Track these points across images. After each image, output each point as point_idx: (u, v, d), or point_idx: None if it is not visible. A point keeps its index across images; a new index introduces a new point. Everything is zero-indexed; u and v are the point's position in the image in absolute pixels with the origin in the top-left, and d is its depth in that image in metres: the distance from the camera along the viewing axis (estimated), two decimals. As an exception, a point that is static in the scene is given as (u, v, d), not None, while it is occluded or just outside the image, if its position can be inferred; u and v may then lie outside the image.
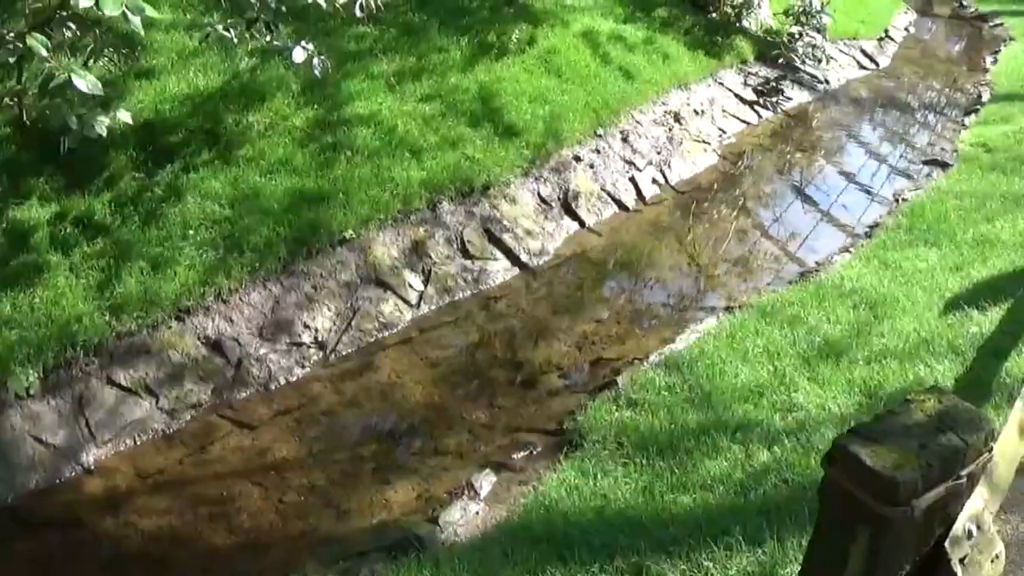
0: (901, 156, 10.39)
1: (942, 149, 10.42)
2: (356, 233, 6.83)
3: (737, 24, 11.36)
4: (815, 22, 12.03)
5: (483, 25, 9.57)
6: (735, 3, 11.37)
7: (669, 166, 9.09)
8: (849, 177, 9.62)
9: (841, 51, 13.34)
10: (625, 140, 9.07)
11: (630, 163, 8.87)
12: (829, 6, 12.19)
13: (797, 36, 11.74)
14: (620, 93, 9.45)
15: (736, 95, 10.87)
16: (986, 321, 5.73)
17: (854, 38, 13.97)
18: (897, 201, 8.74)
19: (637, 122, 9.37)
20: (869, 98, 12.36)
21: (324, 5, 6.40)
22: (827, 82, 12.15)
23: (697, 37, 11.33)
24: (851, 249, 7.63)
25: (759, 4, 11.30)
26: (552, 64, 9.39)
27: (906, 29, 16.37)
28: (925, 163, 10.01)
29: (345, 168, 7.25)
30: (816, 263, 7.58)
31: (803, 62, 11.76)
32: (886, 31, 15.25)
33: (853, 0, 15.94)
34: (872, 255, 7.22)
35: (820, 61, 11.74)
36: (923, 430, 1.84)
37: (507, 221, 7.66)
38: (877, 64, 13.79)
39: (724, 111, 10.44)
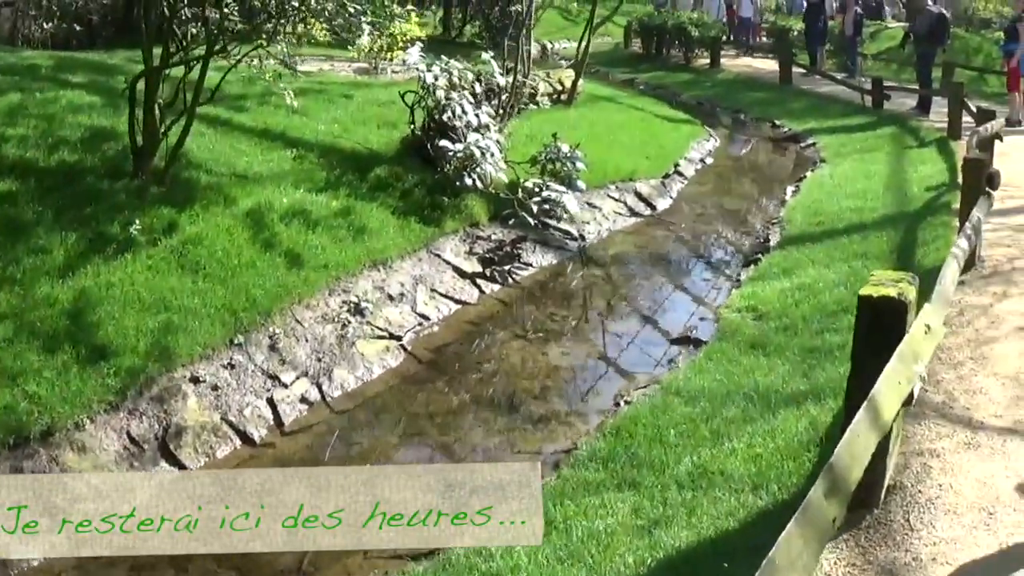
0: (646, 335, 8.59)
1: (701, 319, 8.80)
2: None
3: (458, 183, 9.73)
4: (565, 169, 10.57)
5: (112, 213, 7.86)
6: (460, 155, 9.76)
7: (330, 376, 7.34)
8: (567, 375, 7.73)
9: (611, 196, 11.86)
10: (273, 347, 7.33)
11: (274, 378, 7.12)
12: (580, 149, 10.77)
13: (537, 190, 10.16)
14: (278, 286, 7.74)
15: (455, 268, 9.23)
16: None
17: (630, 179, 12.49)
18: (618, 405, 7.08)
19: (298, 321, 7.65)
20: (631, 255, 10.72)
21: None
22: (582, 238, 10.58)
23: (416, 200, 9.75)
24: (521, 498, 5.90)
25: (489, 153, 9.72)
26: (190, 258, 7.67)
27: (702, 160, 15.05)
28: (673, 342, 8.32)
29: None
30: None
31: (542, 218, 10.16)
32: (676, 165, 13.86)
33: (643, 135, 14.75)
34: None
35: (560, 219, 10.13)
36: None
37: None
38: (654, 207, 12.27)
39: (433, 291, 8.77)
